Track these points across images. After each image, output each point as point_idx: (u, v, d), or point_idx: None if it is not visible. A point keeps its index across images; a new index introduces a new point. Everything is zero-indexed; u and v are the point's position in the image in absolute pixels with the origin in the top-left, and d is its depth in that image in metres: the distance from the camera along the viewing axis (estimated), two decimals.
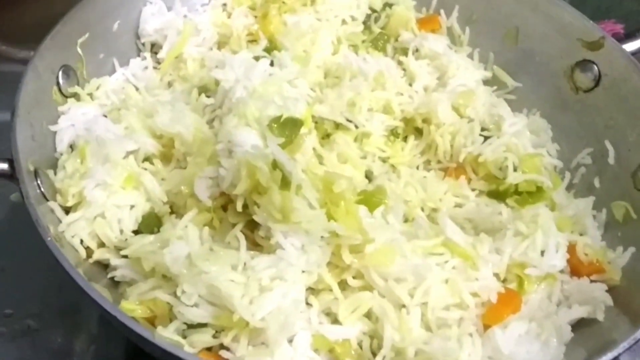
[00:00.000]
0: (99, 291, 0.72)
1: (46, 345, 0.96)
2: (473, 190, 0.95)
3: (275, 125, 0.80)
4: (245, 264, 0.73)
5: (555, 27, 1.05)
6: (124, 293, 0.79)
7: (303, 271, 0.73)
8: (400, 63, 1.08)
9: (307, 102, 0.93)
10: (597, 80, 1.01)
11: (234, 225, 0.78)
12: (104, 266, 0.83)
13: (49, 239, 0.70)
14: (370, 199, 0.82)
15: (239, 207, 0.75)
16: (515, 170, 0.93)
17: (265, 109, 0.82)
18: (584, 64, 1.02)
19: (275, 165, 0.73)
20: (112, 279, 0.81)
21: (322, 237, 0.74)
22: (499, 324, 0.74)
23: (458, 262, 0.78)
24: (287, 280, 0.71)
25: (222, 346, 0.72)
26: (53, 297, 0.99)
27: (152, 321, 0.76)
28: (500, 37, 1.13)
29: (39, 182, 0.81)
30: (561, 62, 1.05)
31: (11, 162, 0.77)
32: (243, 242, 0.75)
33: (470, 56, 1.13)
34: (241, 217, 0.77)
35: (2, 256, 1.04)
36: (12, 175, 0.77)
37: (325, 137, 0.95)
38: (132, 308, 0.75)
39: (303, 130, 0.83)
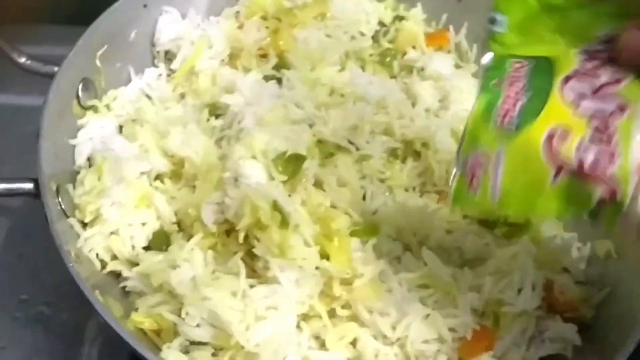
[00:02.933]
0: (111, 307, 0.80)
1: (59, 331, 1.03)
2: (464, 217, 1.00)
3: (280, 162, 0.86)
4: (244, 291, 0.80)
5: None
6: (133, 302, 0.87)
7: (296, 302, 0.80)
8: (404, 84, 1.12)
9: (310, 126, 0.98)
10: None
11: (235, 252, 0.84)
12: (116, 275, 0.91)
13: (71, 264, 0.77)
14: (364, 232, 0.88)
15: (241, 239, 0.82)
16: None
17: (271, 142, 0.88)
18: None
19: (275, 206, 0.79)
20: (123, 288, 0.89)
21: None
22: (471, 359, 0.81)
23: (439, 297, 0.84)
24: (281, 311, 0.79)
25: None
26: (67, 286, 1.05)
27: (158, 333, 0.84)
28: None
29: (59, 199, 0.87)
30: None
31: (36, 182, 0.84)
32: (243, 271, 0.82)
33: (476, 75, 1.17)
34: (242, 246, 0.84)
35: (21, 243, 1.12)
36: (36, 195, 0.84)
37: (329, 155, 1.01)
38: (140, 320, 0.83)
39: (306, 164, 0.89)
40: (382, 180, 1.03)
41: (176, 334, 0.82)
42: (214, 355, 0.80)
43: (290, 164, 0.86)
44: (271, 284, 0.80)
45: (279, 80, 1.04)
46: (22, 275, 1.08)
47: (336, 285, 0.82)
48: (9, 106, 1.30)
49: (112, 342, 1.02)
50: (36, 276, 1.08)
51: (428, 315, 0.82)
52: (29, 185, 0.84)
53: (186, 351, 0.81)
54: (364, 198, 0.99)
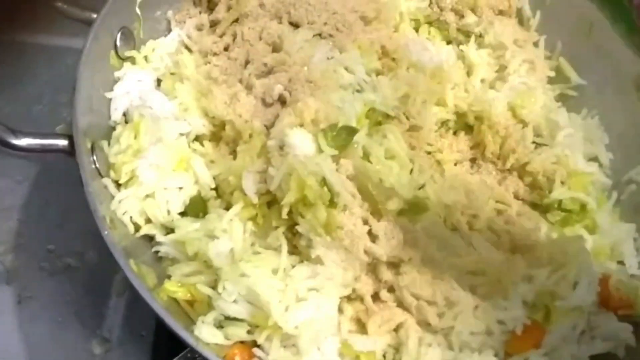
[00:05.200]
0: (145, 276, 0.77)
1: (85, 283, 1.01)
2: (516, 197, 0.94)
3: (330, 134, 0.79)
4: (285, 270, 0.76)
5: None
6: (165, 269, 0.83)
7: (339, 285, 0.76)
8: (460, 51, 1.04)
9: (359, 92, 0.91)
10: None
11: (276, 226, 0.80)
12: (149, 239, 0.86)
13: (106, 232, 0.73)
14: (412, 210, 0.83)
15: (284, 214, 0.77)
16: (562, 184, 0.92)
17: (322, 110, 0.82)
18: None
19: (324, 183, 0.74)
20: (155, 252, 0.85)
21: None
22: (519, 354, 0.77)
23: (490, 286, 0.79)
24: (324, 293, 0.75)
25: (254, 342, 0.77)
26: (93, 238, 1.01)
27: (191, 304, 0.81)
28: (572, 29, 1.07)
29: (94, 157, 0.83)
30: (630, 69, 1.00)
31: (71, 139, 0.79)
32: (285, 248, 0.77)
33: (536, 44, 1.08)
34: (284, 221, 0.79)
35: (47, 188, 1.08)
36: (71, 153, 0.79)
37: (376, 124, 0.94)
38: (174, 290, 0.80)
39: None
40: (430, 153, 0.97)
41: (210, 306, 0.78)
42: (249, 332, 0.77)
43: (341, 137, 0.80)
44: (314, 264, 0.76)
45: (330, 39, 0.97)
46: (48, 224, 1.06)
47: (383, 269, 0.77)
48: (39, 46, 1.25)
49: (139, 296, 1.00)
50: (62, 225, 1.05)
51: (477, 306, 0.77)
52: (63, 142, 0.79)
53: (220, 325, 0.77)
54: (411, 171, 0.93)
